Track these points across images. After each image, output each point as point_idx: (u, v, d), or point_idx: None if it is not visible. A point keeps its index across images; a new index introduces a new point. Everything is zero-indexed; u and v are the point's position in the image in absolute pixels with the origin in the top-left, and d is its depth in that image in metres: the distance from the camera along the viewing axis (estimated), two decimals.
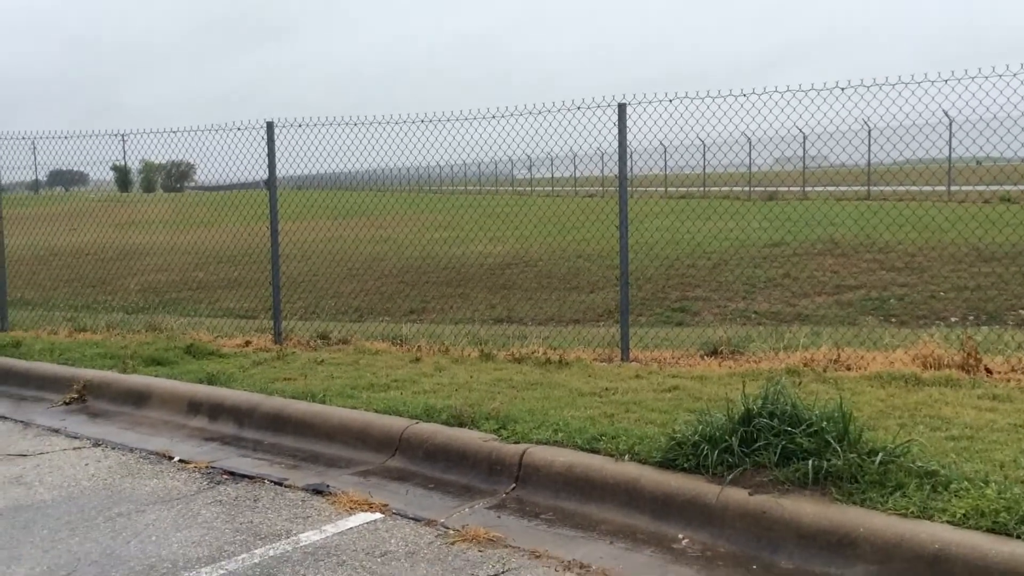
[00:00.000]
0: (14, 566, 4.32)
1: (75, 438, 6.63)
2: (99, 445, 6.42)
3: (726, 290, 12.37)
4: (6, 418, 7.29)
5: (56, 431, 6.83)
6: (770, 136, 9.76)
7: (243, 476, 5.61)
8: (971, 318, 9.89)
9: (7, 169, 11.99)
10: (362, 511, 4.92)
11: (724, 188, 32.92)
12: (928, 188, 19.13)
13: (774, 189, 29.90)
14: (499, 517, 4.80)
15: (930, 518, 3.97)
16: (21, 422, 7.15)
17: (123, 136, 12.54)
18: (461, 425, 5.77)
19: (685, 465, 4.76)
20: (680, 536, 4.43)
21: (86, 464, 5.97)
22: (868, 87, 7.58)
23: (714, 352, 7.92)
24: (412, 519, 4.80)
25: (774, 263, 14.26)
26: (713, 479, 4.59)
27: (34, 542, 4.62)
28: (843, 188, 28.00)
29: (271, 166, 9.65)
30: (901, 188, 15.77)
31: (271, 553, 4.40)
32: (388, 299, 13.12)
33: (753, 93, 8.01)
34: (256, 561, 4.31)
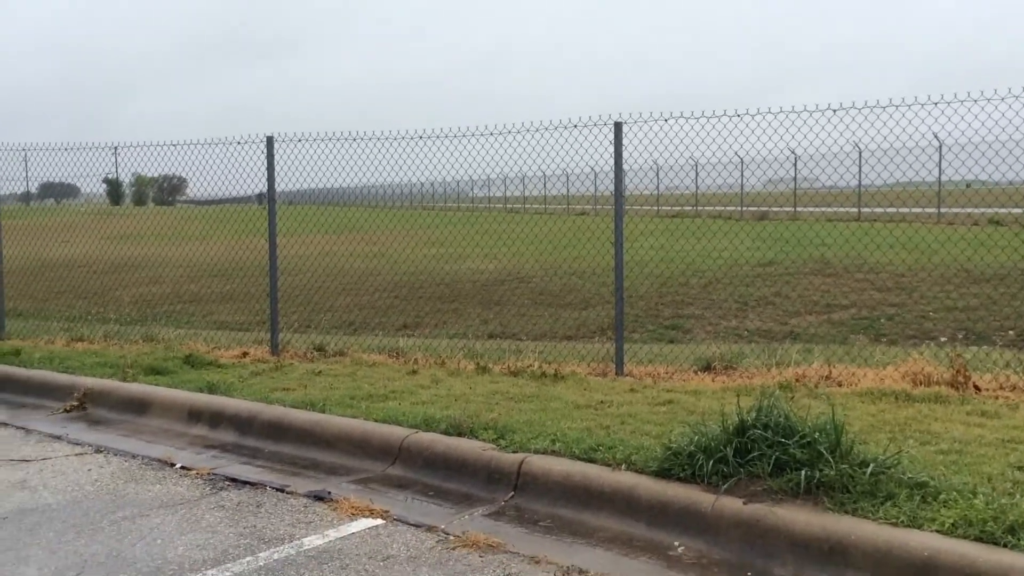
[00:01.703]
0: (22, 567, 4.39)
1: (77, 444, 6.70)
2: (101, 451, 6.49)
3: (718, 308, 12.50)
4: (7, 424, 7.36)
5: (58, 437, 6.90)
6: (763, 156, 9.92)
7: (245, 483, 5.69)
8: (960, 337, 10.05)
9: (4, 181, 12.06)
10: (364, 517, 5.01)
11: (716, 208, 33.16)
12: (918, 210, 19.37)
13: (765, 209, 30.16)
14: (498, 524, 4.89)
15: (920, 527, 4.09)
16: (22, 428, 7.21)
17: (115, 149, 12.61)
18: (460, 435, 5.87)
19: (681, 474, 4.86)
20: (676, 543, 4.53)
21: (89, 470, 6.04)
22: (859, 109, 7.73)
23: (707, 368, 8.03)
24: (413, 525, 4.89)
25: (766, 282, 14.42)
26: (708, 488, 4.70)
27: (41, 544, 4.68)
28: (834, 209, 28.27)
29: (270, 180, 9.74)
30: (891, 210, 15.99)
31: (275, 556, 4.48)
32: (382, 313, 13.20)
33: (747, 114, 8.15)
34: (261, 564, 4.39)
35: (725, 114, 8.20)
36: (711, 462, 4.79)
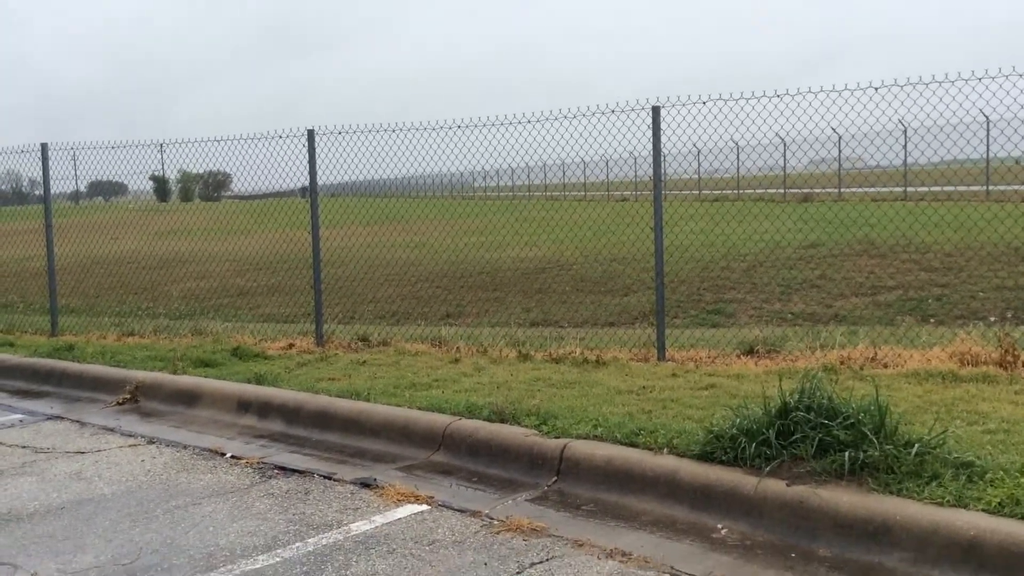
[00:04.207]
0: (80, 555, 4.54)
1: (130, 436, 6.88)
2: (153, 443, 6.66)
3: (761, 291, 12.40)
4: (62, 418, 7.58)
5: (111, 430, 7.09)
6: (804, 137, 9.79)
7: (293, 471, 5.81)
8: (1009, 316, 9.86)
9: (57, 181, 12.33)
10: (409, 503, 5.09)
11: (758, 190, 32.79)
12: (965, 188, 18.98)
13: (809, 191, 29.75)
14: (542, 508, 4.94)
15: (965, 506, 4.05)
16: (77, 422, 7.42)
17: (161, 146, 12.85)
18: (502, 421, 5.92)
19: (723, 458, 4.87)
20: (719, 526, 4.54)
21: (142, 460, 6.20)
22: (902, 87, 7.60)
23: (750, 351, 7.99)
24: (457, 510, 4.96)
25: (810, 264, 14.26)
26: (751, 471, 4.70)
27: (97, 532, 4.84)
28: (879, 189, 27.81)
29: (312, 173, 9.85)
30: (938, 188, 15.69)
31: (324, 541, 4.58)
32: (424, 303, 13.30)
33: (787, 94, 8.06)
34: (310, 549, 4.49)
35: (765, 95, 8.12)
36: (754, 445, 4.78)
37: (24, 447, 6.67)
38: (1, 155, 12.77)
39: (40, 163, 11.81)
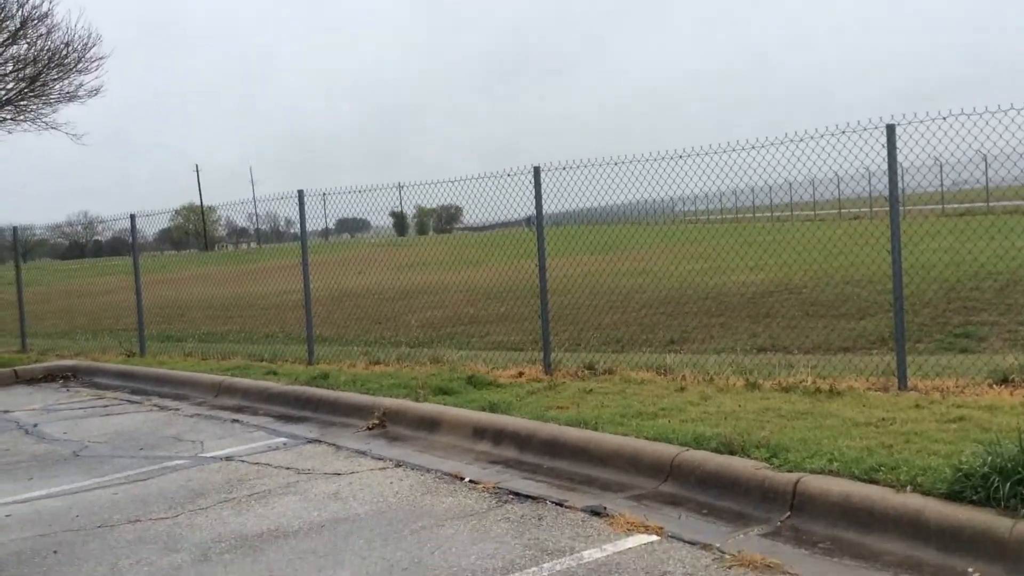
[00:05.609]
0: (339, 571, 4.99)
1: (379, 459, 7.44)
2: (400, 466, 7.17)
3: (1017, 313, 11.43)
4: (320, 441, 8.31)
5: (363, 453, 7.70)
6: None
7: (526, 496, 6.06)
8: None
9: (308, 220, 13.55)
10: (639, 533, 5.17)
11: (1011, 203, 30.09)
12: None
13: None
14: (775, 544, 4.86)
15: None
16: (333, 445, 8.11)
17: (400, 187, 13.81)
18: (731, 453, 5.88)
19: (973, 497, 4.59)
20: (970, 569, 4.28)
21: (390, 483, 6.70)
22: None
23: (1004, 380, 7.42)
24: (688, 542, 4.98)
25: None
26: (1005, 512, 4.40)
27: (353, 550, 5.28)
28: None
29: (538, 208, 10.23)
30: None
31: (557, 567, 4.76)
32: (648, 330, 13.33)
33: None
34: (545, 574, 4.68)
35: (1012, 108, 7.57)
36: (1008, 484, 4.49)
37: (288, 468, 7.38)
38: (264, 201, 14.24)
39: (297, 207, 13.04)
